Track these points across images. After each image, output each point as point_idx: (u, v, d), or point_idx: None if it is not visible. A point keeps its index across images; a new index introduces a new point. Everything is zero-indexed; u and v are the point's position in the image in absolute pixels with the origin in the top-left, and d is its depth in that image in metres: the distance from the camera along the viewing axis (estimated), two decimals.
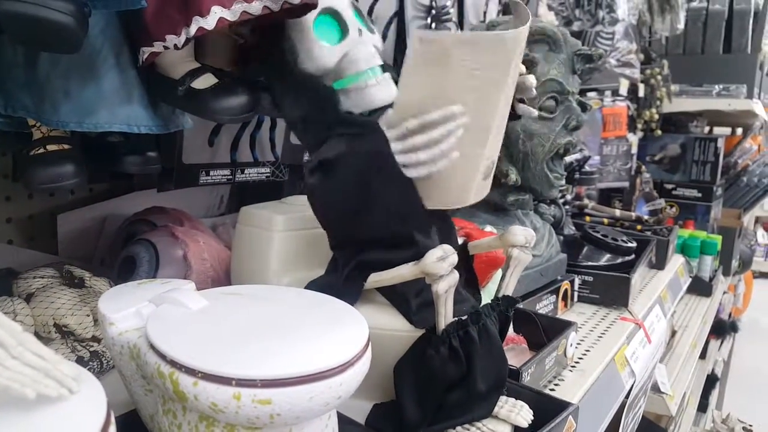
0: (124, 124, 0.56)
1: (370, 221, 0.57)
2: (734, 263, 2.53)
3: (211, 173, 0.83)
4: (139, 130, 0.57)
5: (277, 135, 0.87)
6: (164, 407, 0.46)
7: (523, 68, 0.61)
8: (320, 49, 0.60)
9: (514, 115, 0.64)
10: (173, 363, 0.41)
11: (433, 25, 1.09)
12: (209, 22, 0.52)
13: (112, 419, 0.34)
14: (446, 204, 0.59)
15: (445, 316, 0.54)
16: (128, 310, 0.49)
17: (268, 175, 0.91)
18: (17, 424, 0.31)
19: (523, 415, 0.58)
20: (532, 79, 0.62)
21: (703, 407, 2.37)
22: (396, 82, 0.62)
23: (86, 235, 0.96)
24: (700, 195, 2.37)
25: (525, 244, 0.61)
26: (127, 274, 0.78)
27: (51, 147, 0.55)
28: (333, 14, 0.61)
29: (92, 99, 0.54)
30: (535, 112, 0.66)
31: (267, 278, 0.68)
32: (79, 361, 0.64)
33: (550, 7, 1.89)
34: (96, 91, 0.54)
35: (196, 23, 0.52)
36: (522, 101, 0.64)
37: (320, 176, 0.58)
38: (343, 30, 0.61)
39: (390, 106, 0.58)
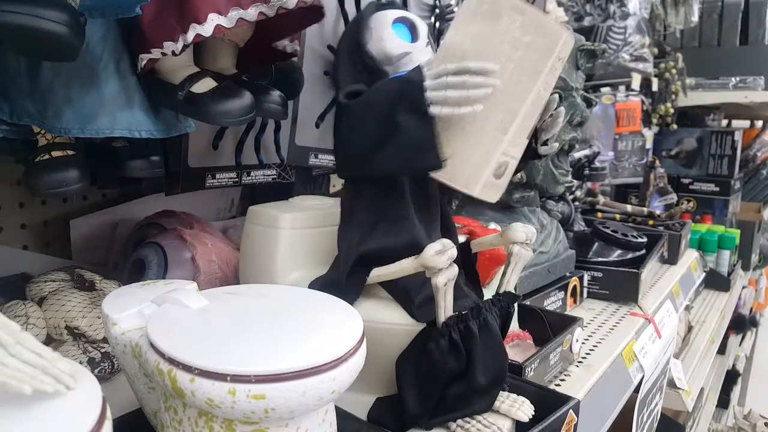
0: (126, 130, 0.57)
1: (388, 150, 0.58)
2: (754, 257, 2.49)
3: (218, 176, 0.84)
4: (140, 135, 0.58)
5: (282, 137, 0.88)
6: (166, 404, 0.47)
7: (556, 98, 0.63)
8: (391, 36, 0.67)
9: (535, 154, 0.65)
10: (171, 360, 0.42)
11: (437, 24, 1.09)
12: (206, 29, 0.53)
13: (108, 414, 0.35)
14: (454, 180, 0.58)
15: (445, 309, 0.55)
16: (131, 310, 0.50)
17: (275, 177, 0.92)
18: (15, 418, 0.32)
19: (524, 410, 0.58)
20: (561, 111, 0.64)
21: (724, 403, 2.34)
22: None
23: (99, 240, 0.98)
24: (717, 189, 2.34)
25: (525, 240, 0.62)
26: (136, 276, 0.79)
27: (55, 153, 0.56)
28: (409, 24, 0.69)
29: (94, 105, 0.55)
30: (556, 147, 0.68)
31: (274, 275, 0.70)
32: (91, 362, 0.66)
33: (559, 3, 1.88)
34: (97, 98, 0.55)
35: (193, 30, 0.53)
36: (545, 143, 0.66)
37: (353, 98, 0.61)
38: (414, 38, 0.69)
39: None
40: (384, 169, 0.59)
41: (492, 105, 0.55)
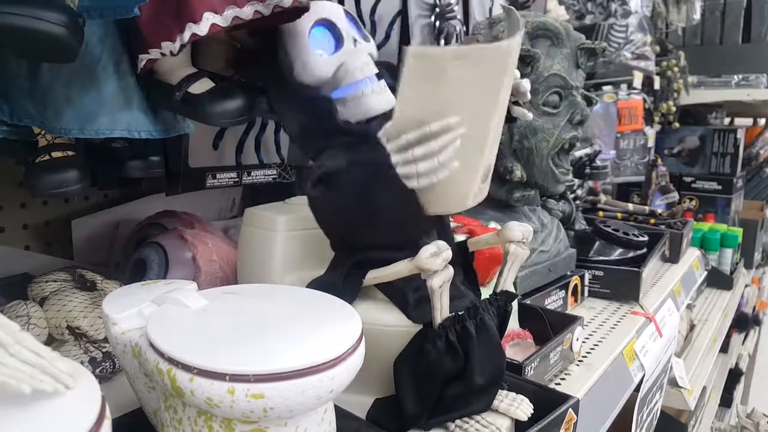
0: (125, 130, 0.57)
1: (372, 231, 0.58)
2: (757, 256, 2.49)
3: (218, 176, 0.84)
4: (139, 136, 0.58)
5: (282, 137, 0.88)
6: (166, 403, 0.47)
7: (517, 73, 0.61)
8: (316, 59, 0.62)
9: (510, 118, 0.65)
10: (171, 360, 0.42)
11: (437, 23, 1.09)
12: (202, 28, 0.53)
13: (107, 413, 0.35)
14: (447, 210, 0.60)
15: (441, 310, 0.55)
16: (131, 310, 0.50)
17: (275, 176, 0.92)
18: (14, 418, 0.32)
19: (523, 408, 0.59)
20: (526, 84, 0.63)
21: (727, 402, 2.34)
22: (393, 89, 0.62)
23: (101, 240, 0.98)
24: (720, 187, 2.34)
25: (522, 239, 0.61)
26: (137, 276, 0.80)
27: (55, 154, 0.57)
28: (328, 25, 0.62)
29: (93, 106, 0.55)
30: (530, 116, 0.67)
31: (271, 278, 0.70)
32: (92, 361, 0.66)
33: (560, 1, 1.88)
34: (97, 99, 0.55)
35: (189, 29, 0.53)
36: (517, 103, 0.65)
37: (322, 189, 0.60)
38: (339, 40, 0.63)
39: (386, 114, 0.61)
40: (374, 242, 0.60)
41: (463, 140, 0.53)
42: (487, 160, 0.58)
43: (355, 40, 0.64)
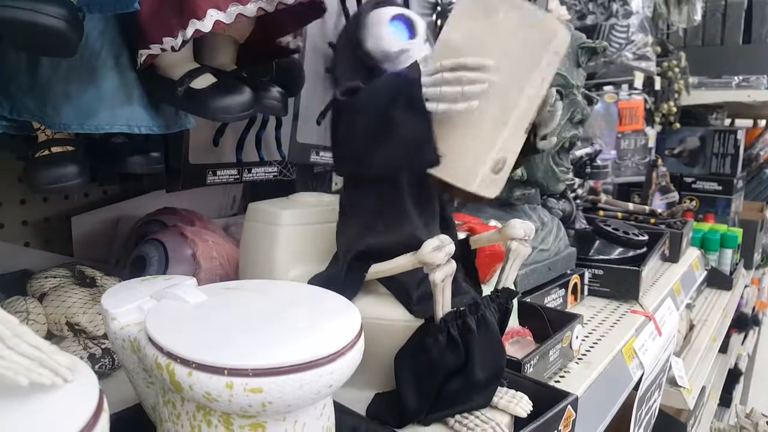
0: (125, 125, 0.57)
1: (381, 152, 0.58)
2: (756, 256, 2.49)
3: (218, 173, 0.84)
4: (139, 131, 0.58)
5: (283, 134, 0.88)
6: (164, 398, 0.47)
7: (554, 92, 0.63)
8: (388, 35, 0.67)
9: (534, 149, 0.66)
10: (169, 354, 0.42)
11: (439, 21, 1.09)
12: (205, 25, 0.53)
13: (105, 406, 0.35)
14: (452, 177, 0.59)
15: (443, 305, 0.55)
16: (130, 305, 0.50)
17: (276, 174, 0.92)
18: (12, 410, 0.32)
19: (522, 405, 0.59)
20: (559, 106, 0.64)
21: (726, 402, 2.34)
22: None
23: (101, 237, 0.98)
24: (720, 188, 2.34)
25: (524, 237, 0.62)
26: (137, 273, 0.79)
27: (55, 149, 0.56)
28: (408, 22, 0.69)
29: (93, 101, 0.55)
30: (554, 140, 0.68)
31: (273, 272, 0.70)
32: (91, 358, 0.66)
33: (562, 1, 1.88)
34: (96, 94, 0.55)
35: (192, 26, 0.53)
36: (544, 138, 0.66)
37: (350, 96, 0.61)
38: (412, 35, 0.69)
39: None
40: (381, 166, 0.59)
41: (488, 100, 0.56)
42: (503, 145, 0.58)
43: (426, 40, 0.70)
